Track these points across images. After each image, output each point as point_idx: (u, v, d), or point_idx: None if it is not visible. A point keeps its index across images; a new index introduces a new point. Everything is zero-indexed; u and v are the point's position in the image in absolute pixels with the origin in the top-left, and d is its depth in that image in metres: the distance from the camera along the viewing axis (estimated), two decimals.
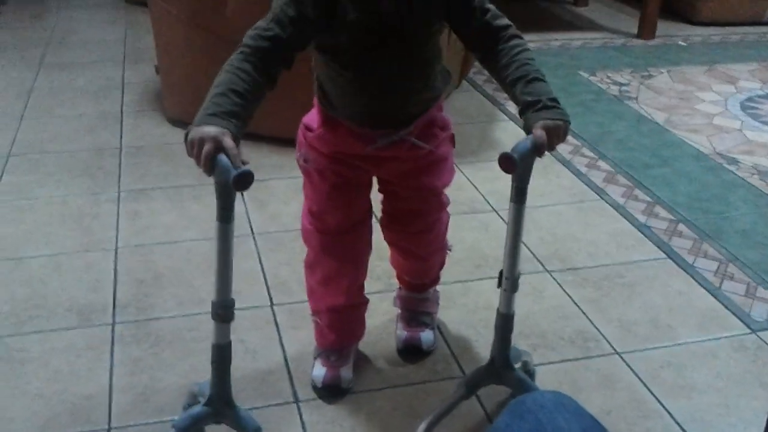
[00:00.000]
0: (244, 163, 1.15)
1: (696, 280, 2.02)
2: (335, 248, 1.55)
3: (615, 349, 1.76)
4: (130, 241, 2.14)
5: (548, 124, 1.25)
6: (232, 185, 1.13)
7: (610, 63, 3.69)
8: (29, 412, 1.55)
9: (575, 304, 1.92)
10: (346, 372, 1.62)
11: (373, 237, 1.59)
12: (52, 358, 1.70)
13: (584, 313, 1.88)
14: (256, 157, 2.60)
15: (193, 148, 1.15)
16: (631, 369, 1.71)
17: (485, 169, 2.51)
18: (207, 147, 1.13)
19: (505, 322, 1.44)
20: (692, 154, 2.75)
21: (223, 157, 1.14)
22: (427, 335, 1.73)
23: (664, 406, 1.60)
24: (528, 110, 1.27)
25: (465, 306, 1.89)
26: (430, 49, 1.39)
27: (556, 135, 1.25)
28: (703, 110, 3.16)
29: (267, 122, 2.62)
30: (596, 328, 1.83)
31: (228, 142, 1.14)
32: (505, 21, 1.36)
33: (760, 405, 1.61)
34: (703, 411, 1.60)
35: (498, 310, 1.44)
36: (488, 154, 2.64)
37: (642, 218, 2.31)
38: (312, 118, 1.48)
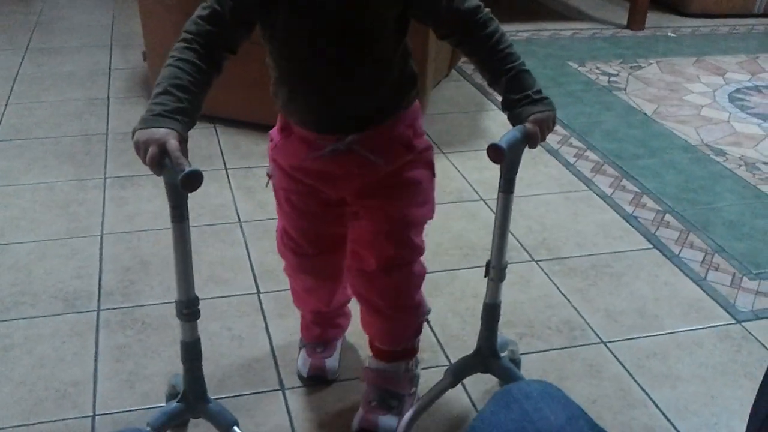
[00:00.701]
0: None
1: (682, 271, 2.03)
2: (311, 268, 1.50)
3: (601, 339, 1.77)
4: (116, 228, 2.13)
5: (539, 117, 1.23)
6: (179, 187, 1.11)
7: (600, 54, 3.69)
8: (14, 399, 1.54)
9: (562, 293, 1.92)
10: (332, 362, 1.62)
11: None
12: (37, 344, 1.69)
13: (571, 303, 1.89)
14: (244, 145, 2.60)
15: (139, 151, 1.13)
16: (617, 358, 1.71)
17: (474, 159, 2.51)
18: (151, 150, 1.10)
19: (491, 312, 1.43)
20: (680, 145, 2.76)
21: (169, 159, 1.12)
22: (386, 421, 1.48)
23: (649, 396, 1.61)
24: (515, 107, 1.25)
25: (452, 294, 1.89)
26: (385, 47, 1.26)
27: (546, 126, 1.24)
28: (692, 101, 3.16)
29: (254, 109, 2.62)
30: (582, 317, 1.84)
31: (172, 144, 1.10)
32: (474, 2, 1.26)
33: (744, 395, 1.62)
34: (688, 400, 1.61)
35: (485, 299, 1.43)
36: (477, 143, 2.64)
37: (629, 209, 2.32)
38: (275, 127, 1.41)
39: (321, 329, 1.63)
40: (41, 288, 1.87)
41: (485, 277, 1.41)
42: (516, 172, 1.29)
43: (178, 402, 1.36)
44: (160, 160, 1.11)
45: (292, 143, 1.34)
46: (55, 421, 1.50)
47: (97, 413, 1.52)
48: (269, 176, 1.42)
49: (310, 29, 1.22)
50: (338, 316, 1.65)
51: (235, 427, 1.35)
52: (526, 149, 1.26)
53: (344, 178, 1.35)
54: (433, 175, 1.42)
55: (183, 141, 1.14)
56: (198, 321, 1.31)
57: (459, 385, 1.59)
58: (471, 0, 1.25)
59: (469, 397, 1.58)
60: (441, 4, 1.24)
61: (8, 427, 1.48)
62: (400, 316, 1.48)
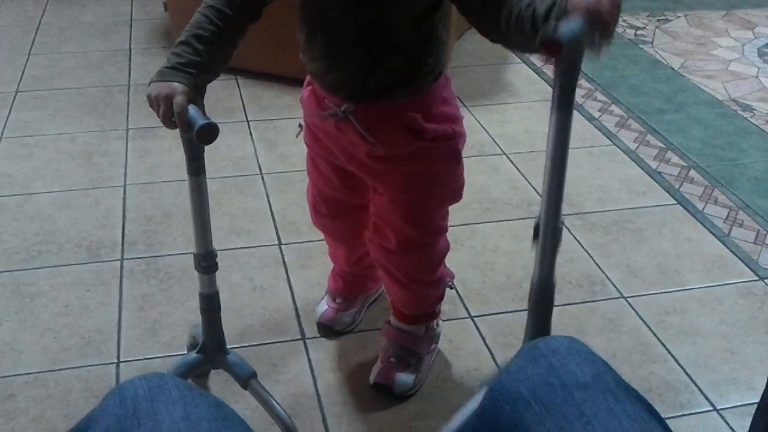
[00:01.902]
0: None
1: (705, 227, 2.01)
2: (323, 227, 1.55)
3: (621, 293, 1.77)
4: (138, 179, 2.14)
5: None
6: (195, 139, 1.10)
7: (626, 6, 3.61)
8: (39, 346, 1.57)
9: (583, 248, 1.91)
10: (347, 317, 1.63)
11: None
12: (61, 292, 1.72)
13: (592, 258, 1.88)
14: (266, 97, 2.59)
15: (152, 104, 1.12)
16: (637, 313, 1.71)
17: (496, 112, 2.48)
18: (163, 107, 1.10)
19: (543, 295, 1.06)
20: (707, 100, 2.72)
21: (188, 110, 1.10)
22: (403, 378, 1.48)
23: (668, 351, 1.61)
24: (548, 17, 0.95)
25: (472, 248, 1.89)
26: (399, 21, 1.18)
27: (606, 9, 0.90)
28: (720, 56, 3.10)
29: (276, 62, 2.61)
30: (603, 272, 1.83)
31: (177, 101, 1.08)
32: None
33: (765, 351, 1.62)
34: (707, 356, 1.61)
35: (532, 279, 1.05)
36: (499, 97, 2.61)
37: (653, 164, 2.29)
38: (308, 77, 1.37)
39: (343, 283, 1.64)
40: (65, 237, 1.89)
41: (534, 241, 1.07)
42: (576, 84, 0.94)
43: (197, 353, 1.38)
44: (170, 116, 1.10)
45: (310, 97, 1.32)
46: (79, 367, 1.52)
47: (121, 360, 1.55)
48: (300, 126, 1.40)
49: None
50: (362, 277, 1.64)
51: (253, 379, 1.37)
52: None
53: (349, 147, 1.31)
54: (457, 163, 1.33)
55: (199, 95, 1.13)
56: (220, 271, 1.32)
57: (482, 342, 1.60)
58: None
59: (490, 352, 1.59)
60: None
61: (34, 373, 1.51)
62: (422, 289, 1.47)
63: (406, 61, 1.22)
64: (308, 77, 1.33)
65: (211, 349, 1.38)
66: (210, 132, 1.09)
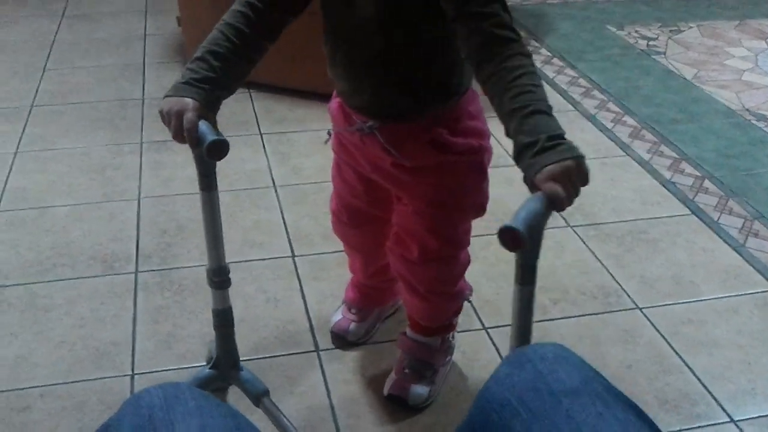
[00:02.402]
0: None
1: (721, 237, 2.00)
2: (343, 235, 1.55)
3: (636, 304, 1.76)
4: (152, 192, 2.15)
5: (554, 170, 0.91)
6: (205, 155, 1.10)
7: (639, 17, 3.61)
8: (54, 358, 1.58)
9: (597, 259, 1.90)
10: (358, 327, 1.62)
11: None
12: (76, 305, 1.72)
13: (606, 269, 1.87)
14: (279, 110, 2.60)
15: (164, 119, 1.13)
16: (652, 324, 1.70)
17: None
18: (174, 123, 1.11)
19: None
20: (720, 110, 2.70)
21: (199, 126, 1.10)
22: (418, 390, 1.47)
23: (684, 362, 1.60)
24: (524, 156, 0.95)
25: (486, 259, 1.88)
26: (416, 45, 1.18)
27: (568, 180, 0.92)
28: (733, 66, 3.09)
29: (289, 75, 2.62)
30: (618, 283, 1.82)
31: (188, 117, 1.09)
32: (509, 33, 1.05)
33: None
34: (724, 367, 1.59)
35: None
36: None
37: (667, 174, 2.28)
38: None
39: (360, 295, 1.63)
40: (79, 250, 1.90)
41: None
42: (538, 257, 0.93)
43: (210, 368, 1.38)
44: (181, 131, 1.11)
45: (338, 109, 1.34)
46: (94, 379, 1.53)
47: (135, 372, 1.55)
48: (329, 134, 1.40)
49: (346, 11, 1.18)
50: (379, 290, 1.63)
51: (265, 397, 1.36)
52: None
53: (374, 158, 1.32)
54: (482, 178, 1.34)
55: (212, 111, 1.13)
56: (233, 284, 1.32)
57: (496, 353, 1.59)
58: (509, 30, 1.05)
59: (501, 359, 1.59)
60: (469, 19, 1.06)
61: (49, 385, 1.51)
62: (440, 301, 1.46)
63: (424, 86, 1.23)
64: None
65: (224, 365, 1.38)
66: (220, 148, 1.08)
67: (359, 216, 1.47)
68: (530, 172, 0.94)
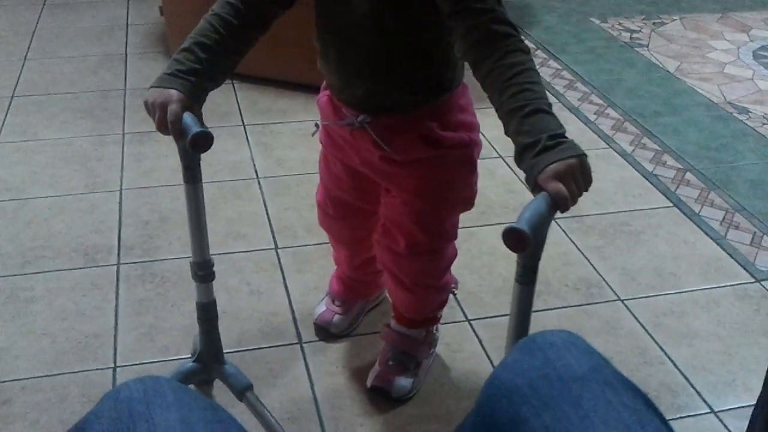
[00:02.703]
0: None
1: (702, 229, 2.01)
2: (329, 228, 1.55)
3: (618, 296, 1.77)
4: (134, 183, 2.14)
5: (558, 168, 0.91)
6: (188, 147, 1.09)
7: (622, 9, 3.62)
8: (35, 350, 1.57)
9: (580, 251, 1.91)
10: (341, 320, 1.62)
11: None
12: (57, 297, 1.71)
13: (588, 261, 1.88)
14: (262, 102, 2.59)
15: (149, 111, 1.12)
16: (634, 316, 1.71)
17: (491, 115, 2.45)
18: (158, 115, 1.10)
19: None
20: (702, 103, 2.72)
21: (183, 118, 1.10)
22: (401, 382, 1.47)
23: (665, 353, 1.61)
24: (525, 156, 0.95)
25: (468, 251, 1.89)
26: (409, 42, 1.18)
27: (572, 179, 0.92)
28: (715, 59, 3.11)
29: (272, 66, 2.61)
30: (600, 275, 1.83)
31: (171, 109, 1.08)
32: (507, 28, 1.04)
33: (762, 353, 1.62)
34: (704, 358, 1.61)
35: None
36: None
37: (650, 167, 2.30)
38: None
39: (344, 287, 1.63)
40: (61, 242, 1.89)
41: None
42: (540, 257, 0.93)
43: (194, 361, 1.38)
44: (165, 123, 1.10)
45: (327, 102, 1.33)
46: (76, 372, 1.52)
47: (117, 365, 1.54)
48: (316, 126, 1.39)
49: (340, 7, 1.18)
50: (363, 283, 1.63)
51: (249, 392, 1.36)
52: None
53: (363, 151, 1.31)
54: (471, 172, 1.33)
55: (197, 103, 1.13)
56: (217, 276, 1.32)
57: (479, 345, 1.60)
58: (506, 25, 1.04)
59: (488, 355, 1.59)
60: (465, 15, 1.06)
61: (31, 378, 1.50)
62: (426, 294, 1.46)
63: (420, 83, 1.23)
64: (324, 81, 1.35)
65: (207, 358, 1.37)
66: (204, 140, 1.08)
67: (345, 208, 1.46)
68: (533, 173, 0.93)
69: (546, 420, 0.69)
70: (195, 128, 1.08)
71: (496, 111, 1.02)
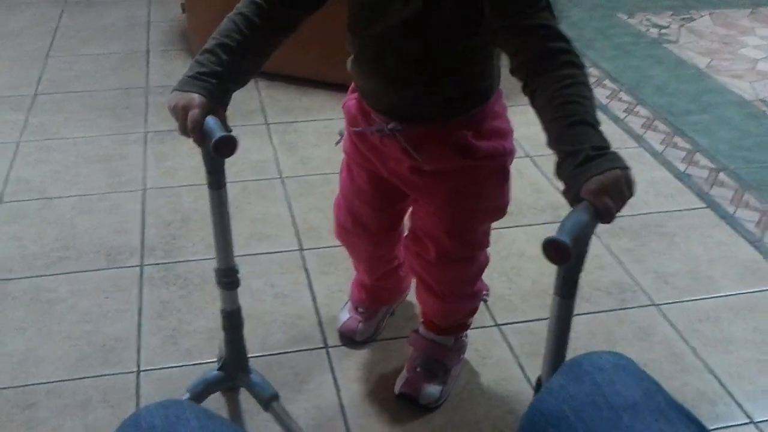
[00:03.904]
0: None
1: (737, 231, 1.96)
2: (348, 243, 1.49)
3: (652, 301, 1.72)
4: (157, 183, 2.11)
5: (603, 180, 0.88)
6: (212, 152, 1.06)
7: (650, 5, 3.56)
8: (59, 353, 1.55)
9: (612, 254, 1.87)
10: (367, 327, 1.58)
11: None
12: (81, 299, 1.69)
13: (621, 264, 1.83)
14: (286, 100, 2.56)
15: (173, 115, 1.09)
16: (669, 321, 1.66)
17: (519, 113, 2.41)
18: (180, 120, 1.07)
19: None
20: (734, 101, 2.66)
21: (206, 122, 1.06)
22: (430, 389, 1.43)
23: (702, 360, 1.56)
24: (566, 165, 0.92)
25: (497, 254, 1.84)
26: (451, 51, 1.13)
27: (617, 190, 0.89)
28: (746, 55, 3.04)
29: (296, 63, 2.57)
30: (633, 278, 1.79)
31: (192, 115, 1.05)
32: (561, 44, 1.01)
33: None
34: (742, 366, 1.56)
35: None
36: (522, 98, 2.55)
37: (682, 166, 2.24)
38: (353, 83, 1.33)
39: (366, 294, 1.59)
40: (84, 243, 1.87)
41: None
42: (581, 270, 0.91)
43: (218, 369, 1.34)
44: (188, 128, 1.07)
45: (355, 108, 1.28)
46: (99, 376, 1.50)
47: (141, 369, 1.52)
48: (341, 135, 1.35)
49: (378, 8, 1.12)
50: (385, 289, 1.58)
51: (274, 401, 1.33)
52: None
53: (391, 162, 1.26)
54: (504, 181, 1.29)
55: (221, 105, 1.09)
56: (240, 277, 1.29)
57: (509, 351, 1.57)
58: (561, 41, 1.02)
59: (518, 361, 1.56)
60: (522, 31, 1.03)
61: (54, 381, 1.48)
62: (456, 301, 1.43)
63: (457, 90, 1.18)
64: (354, 82, 1.29)
65: (232, 367, 1.34)
66: (227, 145, 1.04)
67: (365, 224, 1.40)
68: (576, 183, 0.89)
69: None
70: (218, 133, 1.04)
71: (541, 122, 0.99)
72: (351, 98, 1.30)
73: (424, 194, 1.30)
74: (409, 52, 1.14)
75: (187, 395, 1.32)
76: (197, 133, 1.06)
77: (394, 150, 1.23)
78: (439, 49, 1.13)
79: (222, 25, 1.12)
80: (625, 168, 0.91)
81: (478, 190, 1.27)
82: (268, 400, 1.32)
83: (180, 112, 1.07)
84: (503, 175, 1.28)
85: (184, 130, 1.08)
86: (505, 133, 1.26)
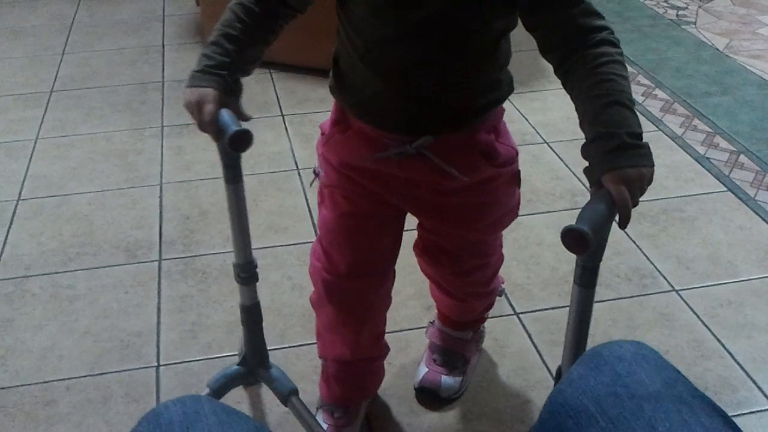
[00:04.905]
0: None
1: (758, 214, 1.93)
2: (341, 295, 1.25)
3: (673, 286, 1.70)
4: (174, 177, 2.12)
5: (631, 174, 0.87)
6: (227, 147, 1.04)
7: None
8: (79, 350, 1.56)
9: (631, 239, 1.85)
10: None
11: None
12: (100, 294, 1.70)
13: (641, 249, 1.81)
14: (301, 91, 2.56)
15: (188, 112, 1.07)
16: (690, 307, 1.65)
17: (535, 100, 2.42)
18: (195, 115, 1.05)
19: None
20: (754, 82, 2.62)
21: (221, 116, 1.05)
22: (449, 381, 1.42)
23: (723, 346, 1.55)
24: (596, 147, 0.89)
25: (515, 242, 1.83)
26: (478, 44, 1.04)
27: (639, 189, 0.88)
28: (766, 34, 2.99)
29: (310, 54, 2.56)
30: (653, 264, 1.77)
31: (206, 110, 1.03)
32: (597, 21, 0.97)
33: None
34: (764, 351, 1.54)
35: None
36: (539, 84, 2.54)
37: (701, 149, 2.21)
38: (327, 120, 1.20)
39: (342, 388, 1.35)
40: (102, 238, 1.88)
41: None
42: (601, 259, 0.90)
43: (238, 364, 1.35)
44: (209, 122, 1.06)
45: (349, 139, 1.14)
46: (119, 371, 1.51)
47: (161, 364, 1.52)
48: (315, 174, 1.24)
49: (392, 10, 1.01)
50: (365, 372, 1.38)
51: (294, 396, 1.33)
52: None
53: (408, 186, 1.14)
54: (518, 186, 1.22)
55: (234, 95, 1.08)
56: (258, 270, 1.28)
57: (528, 340, 1.55)
58: (596, 18, 0.98)
59: (537, 350, 1.55)
60: (556, 5, 0.98)
61: (75, 377, 1.49)
62: (473, 301, 1.40)
63: (487, 85, 1.10)
64: (332, 117, 1.17)
65: (252, 362, 1.34)
66: (242, 140, 1.03)
67: (360, 255, 1.22)
68: (602, 167, 0.88)
69: None
70: (233, 127, 1.03)
71: (573, 100, 0.96)
72: (333, 130, 1.17)
73: (440, 218, 1.21)
74: (437, 44, 1.02)
75: (208, 390, 1.33)
76: (214, 127, 1.05)
77: (418, 171, 1.11)
78: (470, 38, 1.03)
79: (223, 16, 1.11)
80: (653, 166, 0.90)
81: (496, 200, 1.20)
82: (287, 395, 1.32)
83: (195, 109, 1.06)
84: (516, 182, 1.21)
85: (203, 126, 1.07)
86: (510, 134, 1.21)
